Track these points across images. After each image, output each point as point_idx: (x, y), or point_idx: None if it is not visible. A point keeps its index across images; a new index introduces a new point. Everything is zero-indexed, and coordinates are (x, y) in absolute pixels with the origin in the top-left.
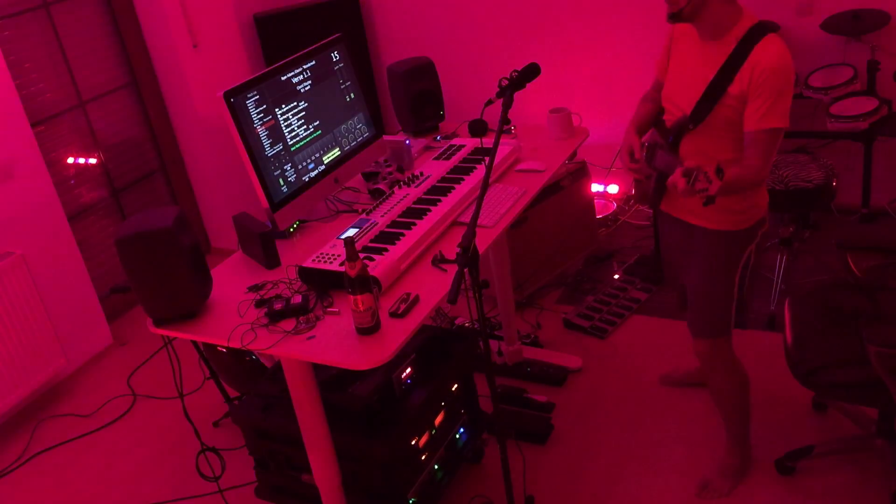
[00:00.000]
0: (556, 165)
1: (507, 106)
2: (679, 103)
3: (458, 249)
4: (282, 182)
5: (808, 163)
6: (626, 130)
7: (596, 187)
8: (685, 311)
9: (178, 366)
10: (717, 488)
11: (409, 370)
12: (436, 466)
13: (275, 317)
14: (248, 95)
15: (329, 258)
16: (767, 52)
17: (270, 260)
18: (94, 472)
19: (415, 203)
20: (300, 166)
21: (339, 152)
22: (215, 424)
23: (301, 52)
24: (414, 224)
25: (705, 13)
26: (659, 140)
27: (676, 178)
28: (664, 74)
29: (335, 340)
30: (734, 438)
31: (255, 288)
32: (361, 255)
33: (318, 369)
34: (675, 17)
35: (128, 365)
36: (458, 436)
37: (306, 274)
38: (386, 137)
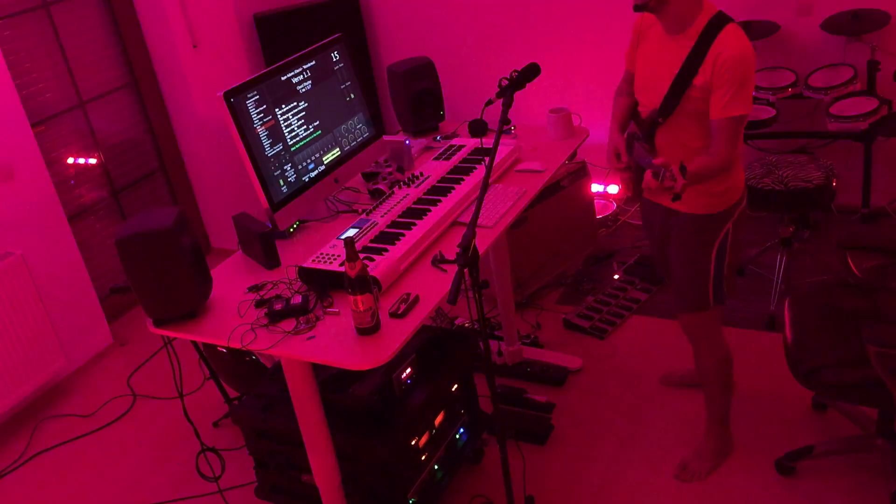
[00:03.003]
0: (556, 165)
1: (507, 106)
2: (650, 96)
3: (458, 249)
4: (282, 182)
5: (807, 163)
6: (610, 130)
7: (596, 187)
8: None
9: (178, 366)
10: (694, 470)
11: (409, 370)
12: (436, 466)
13: (275, 317)
14: (248, 95)
15: (329, 258)
16: (728, 42)
17: (270, 260)
18: (94, 472)
19: (415, 203)
20: (300, 166)
21: (339, 152)
22: (215, 424)
23: (301, 52)
24: (414, 224)
25: (669, 7)
26: (637, 132)
27: (649, 180)
28: (634, 65)
29: (335, 341)
30: (713, 418)
31: (255, 288)
32: (361, 256)
33: (318, 369)
34: (640, 8)
35: (128, 365)
36: (458, 436)
37: (306, 274)
38: (386, 137)
